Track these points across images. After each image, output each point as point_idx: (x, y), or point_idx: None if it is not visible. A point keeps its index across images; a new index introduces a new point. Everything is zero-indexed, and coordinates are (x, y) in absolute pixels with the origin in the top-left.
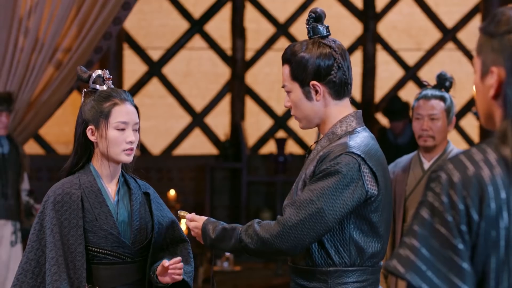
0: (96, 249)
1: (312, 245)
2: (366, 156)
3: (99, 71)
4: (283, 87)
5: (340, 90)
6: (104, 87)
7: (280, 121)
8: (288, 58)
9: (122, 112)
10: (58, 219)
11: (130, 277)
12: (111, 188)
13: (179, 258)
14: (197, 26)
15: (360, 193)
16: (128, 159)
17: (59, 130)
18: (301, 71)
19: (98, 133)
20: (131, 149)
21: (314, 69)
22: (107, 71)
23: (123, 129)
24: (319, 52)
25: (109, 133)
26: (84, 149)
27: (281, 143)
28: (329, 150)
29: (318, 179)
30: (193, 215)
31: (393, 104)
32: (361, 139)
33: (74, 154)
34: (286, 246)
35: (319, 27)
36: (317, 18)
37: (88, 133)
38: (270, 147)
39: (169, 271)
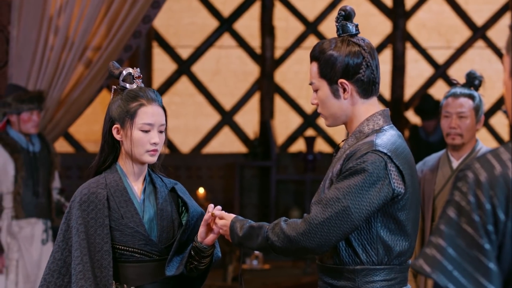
0: (123, 247)
1: (339, 244)
2: (392, 155)
3: (130, 69)
4: (310, 84)
5: (368, 88)
6: (134, 86)
7: (309, 120)
8: (316, 55)
9: (147, 114)
10: (84, 218)
11: (157, 275)
12: (137, 187)
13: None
14: (226, 24)
15: (386, 191)
16: (152, 159)
17: (88, 129)
18: (329, 69)
19: (123, 132)
20: (155, 150)
21: (343, 67)
22: (138, 69)
23: (148, 131)
24: (348, 50)
25: (134, 134)
26: (111, 147)
27: (310, 141)
28: (355, 149)
29: (345, 177)
30: (222, 213)
31: (425, 103)
32: (388, 137)
33: (100, 152)
34: (312, 244)
35: (349, 25)
36: (347, 16)
37: (114, 132)
38: (299, 146)
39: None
